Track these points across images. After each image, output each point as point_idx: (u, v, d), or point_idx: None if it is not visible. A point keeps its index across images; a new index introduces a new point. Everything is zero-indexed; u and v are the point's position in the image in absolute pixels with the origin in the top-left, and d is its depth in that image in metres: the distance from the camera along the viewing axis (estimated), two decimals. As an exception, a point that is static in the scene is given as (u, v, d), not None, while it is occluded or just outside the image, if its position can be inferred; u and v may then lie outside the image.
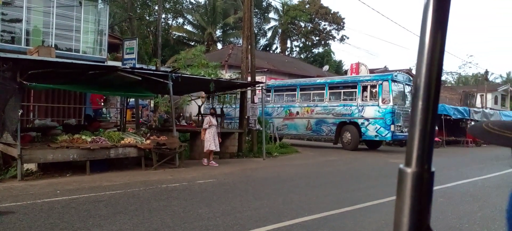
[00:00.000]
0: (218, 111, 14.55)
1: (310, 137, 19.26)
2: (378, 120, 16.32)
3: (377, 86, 16.61)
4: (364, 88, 17.03)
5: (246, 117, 14.71)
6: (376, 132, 16.41)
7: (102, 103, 15.38)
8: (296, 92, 19.65)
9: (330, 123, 17.85)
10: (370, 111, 16.63)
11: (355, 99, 17.23)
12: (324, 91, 18.45)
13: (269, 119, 19.23)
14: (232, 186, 8.39)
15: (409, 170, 0.57)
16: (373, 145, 18.12)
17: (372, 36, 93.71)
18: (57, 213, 5.65)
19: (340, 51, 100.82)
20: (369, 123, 16.59)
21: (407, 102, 16.89)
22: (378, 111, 16.35)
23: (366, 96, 16.90)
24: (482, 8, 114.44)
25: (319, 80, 20.55)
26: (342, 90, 18.24)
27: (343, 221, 5.63)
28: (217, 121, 11.90)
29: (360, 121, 16.88)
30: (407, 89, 17.20)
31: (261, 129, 14.62)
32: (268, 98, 19.95)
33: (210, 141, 11.44)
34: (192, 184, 8.32)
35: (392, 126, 16.00)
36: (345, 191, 7.93)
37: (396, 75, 16.96)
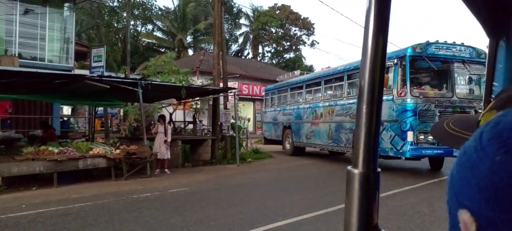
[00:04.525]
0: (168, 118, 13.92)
1: (332, 148, 13.69)
2: (393, 124, 10.12)
3: (391, 68, 10.12)
4: None
5: (219, 123, 14.64)
6: (391, 142, 10.15)
7: (10, 111, 13.50)
8: (321, 87, 14.39)
9: (347, 129, 12.25)
10: (384, 109, 9.96)
11: None
12: (343, 83, 12.82)
13: (301, 124, 15.42)
14: (206, 194, 8.30)
15: (356, 171, 0.58)
16: (436, 162, 11.37)
17: (341, 40, 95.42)
18: (23, 229, 5.43)
19: (311, 56, 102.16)
20: (384, 129, 10.24)
21: (458, 91, 10.20)
22: (393, 109, 10.13)
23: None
24: (445, 12, 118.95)
25: (340, 67, 13.64)
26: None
27: (316, 225, 5.67)
28: (165, 128, 11.56)
29: None
30: (459, 68, 10.26)
31: (234, 135, 14.57)
32: (299, 98, 16.06)
33: (156, 148, 11.25)
34: (164, 194, 8.19)
35: (410, 134, 9.63)
36: (318, 195, 7.99)
37: (422, 49, 9.90)
